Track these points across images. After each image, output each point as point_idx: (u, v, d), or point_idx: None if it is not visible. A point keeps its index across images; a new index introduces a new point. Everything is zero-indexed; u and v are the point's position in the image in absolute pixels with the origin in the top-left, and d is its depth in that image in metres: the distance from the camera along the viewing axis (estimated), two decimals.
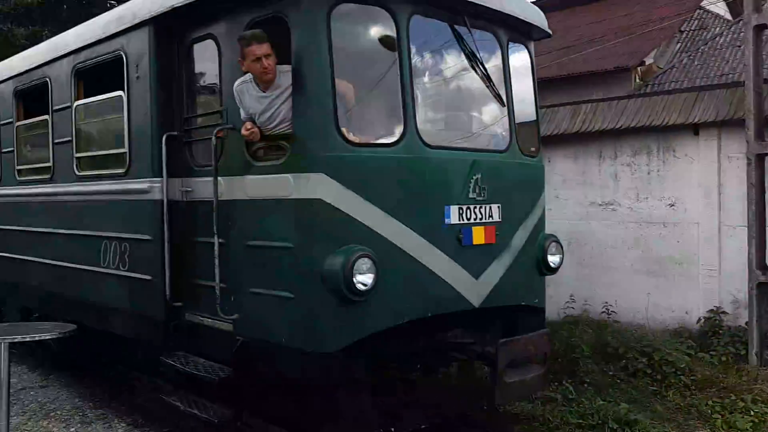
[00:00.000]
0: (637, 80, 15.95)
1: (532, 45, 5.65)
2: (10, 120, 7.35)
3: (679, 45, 17.21)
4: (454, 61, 4.90)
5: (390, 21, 4.41)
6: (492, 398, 4.77)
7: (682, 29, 17.29)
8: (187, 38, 5.04)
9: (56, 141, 6.46)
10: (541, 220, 5.46)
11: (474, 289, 4.72)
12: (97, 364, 7.27)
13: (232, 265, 4.63)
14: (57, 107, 6.42)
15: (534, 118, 5.64)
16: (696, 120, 7.45)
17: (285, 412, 4.65)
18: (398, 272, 4.29)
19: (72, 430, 5.82)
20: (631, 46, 16.19)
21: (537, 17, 5.47)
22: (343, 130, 4.17)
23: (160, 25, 5.06)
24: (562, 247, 5.53)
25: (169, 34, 5.12)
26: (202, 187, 4.90)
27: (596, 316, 8.27)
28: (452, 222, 4.58)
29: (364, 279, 4.05)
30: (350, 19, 4.38)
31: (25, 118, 7.23)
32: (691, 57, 16.21)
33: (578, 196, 8.54)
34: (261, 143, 4.48)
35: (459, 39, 4.81)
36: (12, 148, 7.38)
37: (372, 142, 4.42)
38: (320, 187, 4.09)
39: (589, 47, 15.83)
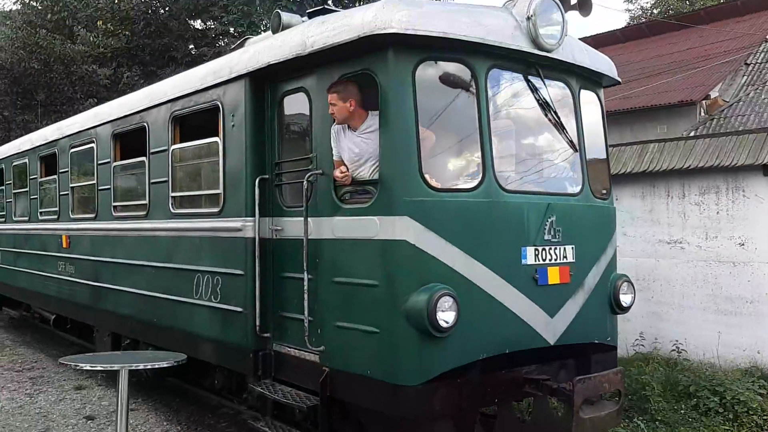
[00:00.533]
0: (702, 113, 15.88)
1: (601, 91, 5.89)
2: (108, 160, 7.98)
3: (745, 78, 17.08)
4: (529, 109, 5.18)
5: (469, 75, 4.74)
6: None
7: (748, 62, 17.15)
8: (279, 90, 5.48)
9: (152, 181, 7.00)
10: (613, 260, 5.64)
11: (549, 327, 4.93)
12: (183, 389, 7.73)
13: (320, 300, 4.97)
14: (154, 150, 6.97)
15: (605, 161, 5.86)
16: (765, 161, 7.49)
17: None
18: (477, 310, 4.54)
19: None
20: (695, 80, 16.18)
21: (606, 66, 5.71)
22: (426, 176, 4.49)
23: (255, 78, 5.53)
24: (633, 287, 5.69)
25: (262, 86, 5.58)
26: (291, 226, 5.28)
27: (666, 354, 8.27)
28: (528, 262, 4.82)
29: (446, 316, 4.32)
30: (433, 74, 4.73)
31: (121, 159, 7.83)
32: (758, 90, 16.05)
33: (646, 234, 8.61)
34: (349, 187, 4.85)
35: (533, 88, 5.10)
36: (109, 186, 7.98)
37: (452, 187, 4.73)
38: (405, 229, 4.40)
39: (652, 81, 15.88)
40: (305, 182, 4.95)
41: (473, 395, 4.65)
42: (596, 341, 5.36)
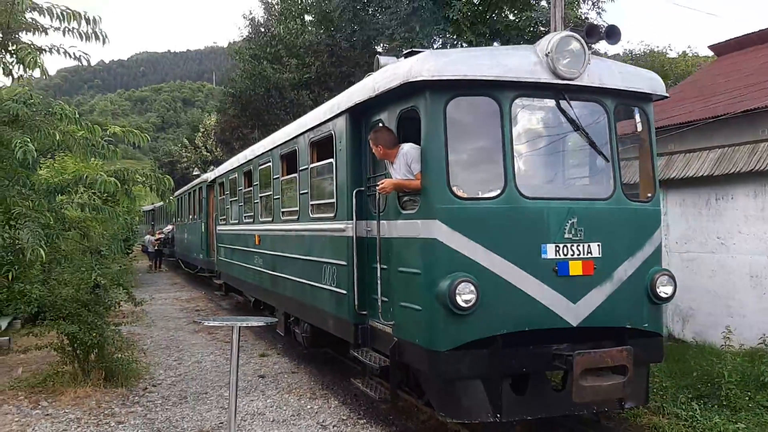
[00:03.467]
0: None
1: (649, 106, 6.56)
2: (278, 176, 10.16)
3: None
4: (556, 127, 6.16)
5: (495, 105, 5.88)
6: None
7: None
8: (369, 121, 7.04)
9: (301, 192, 8.96)
10: (654, 256, 6.33)
11: (571, 311, 5.87)
12: (334, 358, 9.64)
13: (391, 285, 6.44)
14: (301, 168, 8.93)
15: (650, 168, 6.54)
16: None
17: (422, 394, 6.28)
18: (497, 294, 5.68)
19: (302, 401, 8.08)
20: None
21: (647, 84, 6.40)
22: (454, 188, 5.75)
23: (352, 113, 7.15)
24: (674, 280, 6.32)
25: (360, 118, 7.17)
26: (375, 228, 6.81)
27: None
28: (548, 257, 5.82)
29: (466, 298, 5.54)
30: (463, 106, 5.93)
31: (285, 175, 9.95)
32: None
33: (758, 232, 8.67)
34: (407, 197, 6.26)
35: (561, 110, 6.06)
36: (279, 196, 10.16)
37: (476, 196, 5.91)
38: (436, 229, 5.71)
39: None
40: (377, 193, 6.45)
41: (499, 363, 5.76)
42: (628, 326, 6.12)
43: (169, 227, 31.82)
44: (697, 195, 9.61)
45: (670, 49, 40.26)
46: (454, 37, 15.54)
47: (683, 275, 9.88)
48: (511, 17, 17.42)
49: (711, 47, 16.17)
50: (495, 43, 15.99)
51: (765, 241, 8.58)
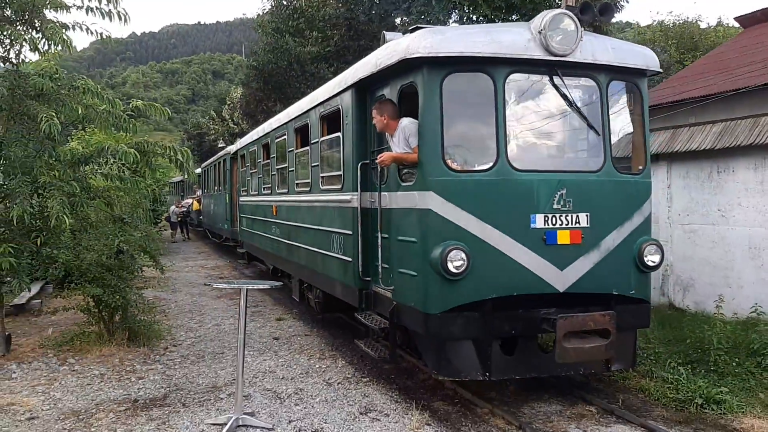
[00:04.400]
0: None
1: (643, 81, 6.78)
2: (292, 149, 10.55)
3: None
4: (549, 102, 6.41)
5: (489, 81, 6.15)
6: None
7: None
8: (374, 96, 7.35)
9: (313, 164, 9.33)
10: (643, 226, 6.60)
11: (559, 278, 6.19)
12: (345, 323, 10.08)
13: (391, 252, 6.81)
14: (313, 141, 9.29)
15: (642, 142, 6.77)
16: None
17: (419, 353, 6.68)
18: (487, 261, 6.02)
19: (311, 361, 8.54)
20: None
21: (640, 60, 6.61)
22: (448, 161, 6.07)
23: (358, 88, 7.47)
24: (661, 249, 6.59)
25: (365, 93, 7.49)
26: (378, 199, 7.16)
27: None
28: (537, 226, 6.13)
29: (456, 264, 5.89)
30: (458, 82, 6.20)
31: (299, 147, 10.33)
32: None
33: (758, 205, 8.82)
34: (406, 169, 6.59)
35: (554, 85, 6.32)
36: (293, 168, 10.56)
37: (468, 169, 6.22)
38: (431, 200, 6.05)
39: None
40: (378, 165, 6.80)
41: (489, 326, 6.11)
42: (615, 293, 6.43)
43: (188, 201, 32.62)
44: (699, 168, 9.76)
45: (701, 20, 39.49)
46: (471, 10, 15.70)
47: (685, 246, 10.09)
48: None
49: (737, 19, 16.04)
50: (513, 18, 16.06)
51: (764, 214, 8.74)
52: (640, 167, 6.76)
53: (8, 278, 8.66)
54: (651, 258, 6.55)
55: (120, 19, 8.26)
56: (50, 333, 9.92)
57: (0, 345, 8.64)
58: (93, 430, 6.13)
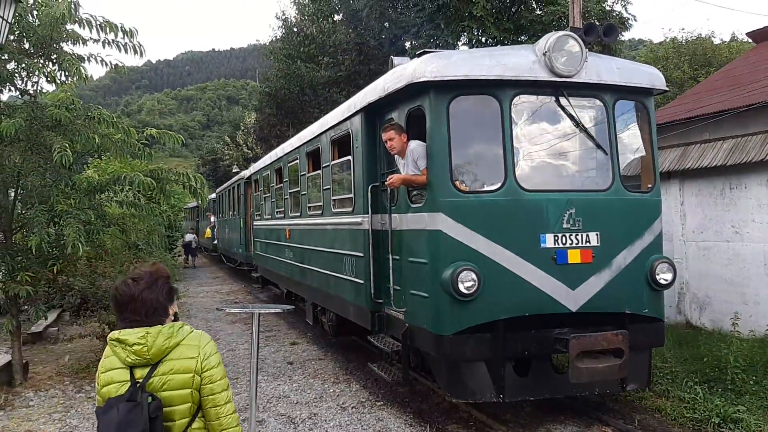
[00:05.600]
0: None
1: (650, 100, 6.81)
2: (304, 173, 10.64)
3: None
4: (557, 122, 6.45)
5: (496, 103, 6.21)
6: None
7: None
8: (383, 119, 7.43)
9: (324, 188, 9.42)
10: (654, 244, 6.58)
11: (570, 297, 6.18)
12: (359, 345, 10.07)
13: (402, 274, 6.84)
14: (324, 165, 9.38)
15: (650, 160, 6.78)
16: None
17: (433, 376, 6.66)
18: (498, 281, 6.03)
19: (325, 385, 8.55)
20: None
21: (646, 79, 6.65)
22: (456, 182, 6.11)
23: (367, 111, 7.56)
24: (673, 267, 6.57)
25: (374, 117, 7.58)
26: (388, 221, 7.21)
27: None
28: (547, 246, 6.14)
29: (467, 285, 5.91)
30: (464, 105, 6.27)
31: (310, 171, 10.42)
32: None
33: None
34: (415, 191, 6.64)
35: (560, 106, 6.36)
36: (306, 192, 10.65)
37: (477, 190, 6.26)
38: (440, 221, 6.09)
39: None
40: (388, 188, 6.85)
41: (502, 346, 6.11)
42: (628, 311, 6.39)
43: (189, 237, 33.00)
44: (712, 185, 9.72)
45: (713, 36, 39.46)
46: (480, 32, 15.84)
47: (700, 264, 10.02)
48: (538, 12, 17.55)
49: (749, 34, 16.06)
50: (522, 39, 16.17)
51: None
52: (650, 185, 6.76)
53: (26, 306, 8.76)
54: (663, 276, 6.52)
55: (135, 52, 8.45)
56: (67, 360, 10.00)
57: (18, 373, 8.73)
58: None
